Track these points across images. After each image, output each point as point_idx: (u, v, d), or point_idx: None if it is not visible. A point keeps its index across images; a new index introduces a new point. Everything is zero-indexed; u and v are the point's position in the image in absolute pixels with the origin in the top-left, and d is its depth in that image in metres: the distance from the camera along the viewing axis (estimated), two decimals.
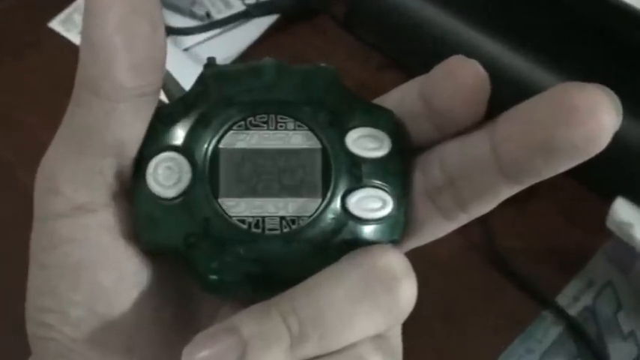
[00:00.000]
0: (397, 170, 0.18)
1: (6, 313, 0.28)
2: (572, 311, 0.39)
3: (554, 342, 0.38)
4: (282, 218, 0.18)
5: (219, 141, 0.18)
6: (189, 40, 0.49)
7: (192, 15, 0.50)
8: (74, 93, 0.17)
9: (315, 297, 0.17)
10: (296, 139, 0.18)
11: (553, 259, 0.41)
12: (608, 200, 0.38)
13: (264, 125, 0.18)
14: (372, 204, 0.18)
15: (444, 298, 0.39)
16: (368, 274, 0.17)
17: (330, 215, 0.18)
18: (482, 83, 0.17)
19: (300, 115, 0.18)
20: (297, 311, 0.16)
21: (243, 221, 0.18)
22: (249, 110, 0.18)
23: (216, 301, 0.20)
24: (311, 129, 0.18)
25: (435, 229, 0.19)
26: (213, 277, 0.18)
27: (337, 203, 0.18)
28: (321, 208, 0.18)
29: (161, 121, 0.18)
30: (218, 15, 0.50)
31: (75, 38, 0.50)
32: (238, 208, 0.18)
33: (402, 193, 0.18)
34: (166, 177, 0.18)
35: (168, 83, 0.21)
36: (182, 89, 0.21)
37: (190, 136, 0.18)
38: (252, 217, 0.18)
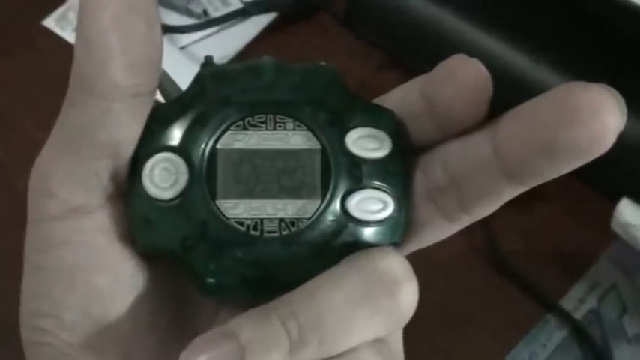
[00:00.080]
0: (398, 171, 0.18)
1: None
2: (577, 314, 0.39)
3: (558, 346, 0.38)
4: (281, 220, 0.18)
5: (216, 141, 0.18)
6: (185, 39, 0.49)
7: (189, 13, 0.50)
8: (69, 92, 0.17)
9: (314, 301, 0.17)
10: (295, 139, 0.18)
11: (557, 261, 0.41)
12: (613, 201, 0.38)
13: (263, 125, 0.18)
14: (373, 206, 0.18)
15: (446, 302, 0.39)
16: (368, 277, 0.17)
17: (329, 217, 0.18)
18: (484, 83, 0.17)
19: (300, 115, 0.18)
20: (297, 315, 0.16)
21: (241, 223, 0.18)
22: (248, 110, 0.18)
23: (214, 305, 0.20)
24: (310, 129, 0.18)
25: (437, 231, 0.19)
26: (211, 280, 0.18)
27: (337, 205, 0.18)
28: (320, 209, 0.18)
29: (157, 121, 0.18)
30: (215, 13, 0.50)
31: (69, 37, 0.50)
32: (236, 210, 0.18)
33: (403, 194, 0.18)
34: (163, 178, 0.18)
35: (165, 83, 0.21)
36: (179, 89, 0.21)
37: (187, 137, 0.18)
38: (251, 219, 0.18)
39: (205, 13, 0.50)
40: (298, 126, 0.18)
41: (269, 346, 0.16)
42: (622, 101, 0.15)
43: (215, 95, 0.18)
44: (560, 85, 0.16)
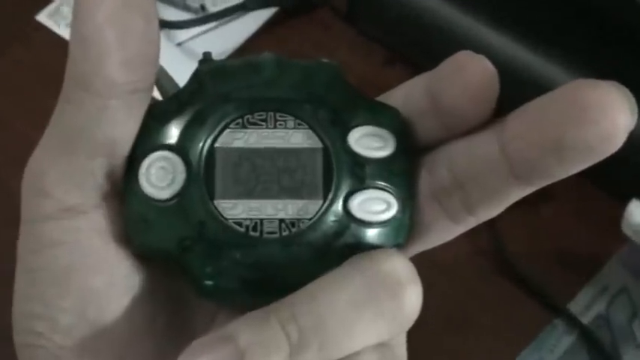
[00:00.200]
0: (402, 171, 0.18)
1: None
2: (585, 319, 0.39)
3: (566, 351, 0.38)
4: (281, 221, 0.18)
5: (215, 140, 0.18)
6: (182, 34, 0.49)
7: (186, 8, 0.50)
8: (63, 89, 0.17)
9: (315, 304, 0.17)
10: (296, 138, 0.18)
11: (565, 264, 0.41)
12: (623, 202, 0.38)
13: (263, 123, 0.18)
14: (376, 206, 0.18)
15: (451, 305, 0.39)
16: (371, 279, 0.17)
17: (331, 218, 0.18)
18: (491, 80, 0.17)
19: (301, 113, 0.18)
20: (297, 318, 0.16)
21: (240, 224, 0.18)
22: (247, 107, 0.18)
23: (212, 308, 0.20)
24: (312, 127, 0.18)
25: (442, 232, 0.19)
26: (209, 282, 0.18)
27: (339, 205, 0.18)
28: (322, 210, 0.18)
29: (154, 118, 0.18)
30: (213, 8, 0.50)
31: (63, 32, 0.50)
32: (235, 210, 0.18)
33: (407, 194, 0.18)
34: (160, 177, 0.18)
35: (162, 79, 0.21)
36: (176, 85, 0.21)
37: (185, 135, 0.18)
38: (250, 219, 0.18)
39: (203, 8, 0.50)
40: (299, 124, 0.18)
41: (268, 350, 0.16)
42: (632, 99, 0.15)
43: (213, 92, 0.18)
44: (569, 83, 0.16)
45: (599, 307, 0.39)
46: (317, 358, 0.16)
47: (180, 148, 0.18)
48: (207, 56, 0.20)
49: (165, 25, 0.48)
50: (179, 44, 0.49)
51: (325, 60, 0.19)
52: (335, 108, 0.19)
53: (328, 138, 0.18)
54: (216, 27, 0.50)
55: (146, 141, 0.18)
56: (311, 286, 0.17)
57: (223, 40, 0.49)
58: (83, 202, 0.18)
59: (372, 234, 0.18)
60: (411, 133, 0.19)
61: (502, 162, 0.17)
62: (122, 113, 0.17)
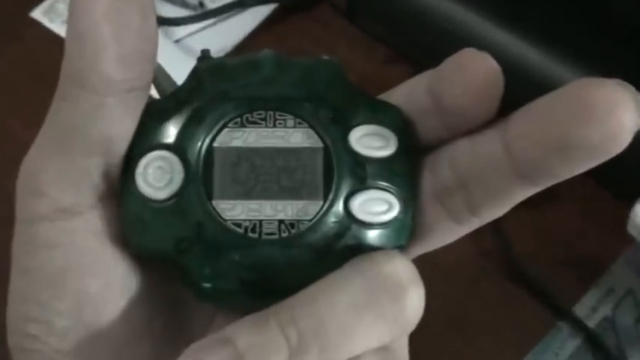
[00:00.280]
0: (404, 171, 0.18)
1: None
2: (591, 322, 0.39)
3: (571, 355, 0.38)
4: (280, 222, 0.18)
5: (213, 139, 0.18)
6: (181, 31, 0.49)
7: (184, 4, 0.50)
8: (59, 87, 0.17)
9: (315, 306, 0.17)
10: (296, 137, 0.18)
11: (570, 266, 0.41)
12: (629, 203, 0.38)
13: (262, 122, 0.18)
14: (377, 207, 0.18)
15: (454, 308, 0.39)
16: (372, 281, 0.17)
17: (332, 219, 0.18)
18: (495, 78, 0.17)
19: (301, 112, 0.18)
20: (297, 321, 0.16)
21: (238, 225, 0.18)
22: (246, 106, 0.18)
23: (210, 311, 0.20)
24: (312, 126, 0.18)
25: (445, 233, 0.19)
26: (207, 284, 0.18)
27: (340, 206, 0.18)
28: (322, 211, 0.18)
29: (152, 117, 0.18)
30: (212, 4, 0.50)
31: (59, 29, 0.50)
32: (234, 211, 0.18)
33: (410, 195, 0.18)
34: (157, 177, 0.18)
35: (160, 77, 0.21)
36: (174, 83, 0.21)
37: (183, 134, 0.18)
38: (249, 220, 0.18)
39: (201, 4, 0.50)
40: (299, 123, 0.18)
41: (267, 353, 0.16)
42: (639, 98, 0.15)
43: (212, 90, 0.18)
44: (574, 82, 0.16)
45: (605, 310, 0.39)
46: None
47: (178, 148, 0.18)
48: (205, 54, 0.20)
49: (163, 21, 0.49)
50: (177, 41, 0.49)
51: (325, 57, 0.19)
52: (335, 106, 0.19)
53: (329, 137, 0.18)
54: (214, 24, 0.50)
55: (143, 140, 0.18)
56: (311, 289, 0.17)
57: (222, 37, 0.49)
58: (79, 202, 0.18)
59: (373, 235, 0.18)
60: (413, 132, 0.19)
61: (506, 162, 0.17)
62: (119, 111, 0.17)
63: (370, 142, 0.18)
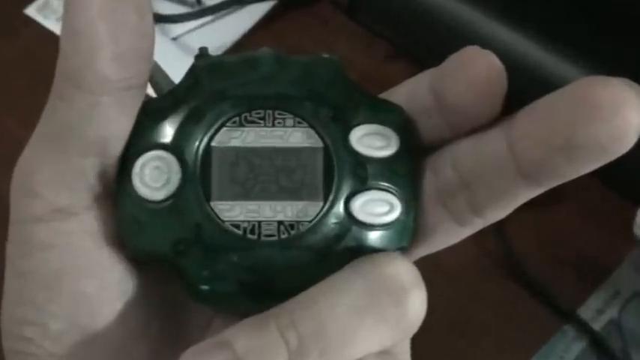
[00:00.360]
0: (406, 171, 0.18)
1: None
2: (596, 325, 0.39)
3: (576, 358, 0.38)
4: (279, 223, 0.18)
5: (211, 138, 0.18)
6: (178, 29, 0.49)
7: (182, 1, 0.50)
8: (54, 86, 0.17)
9: (315, 309, 0.17)
10: (295, 136, 0.18)
11: (575, 267, 0.41)
12: (636, 204, 0.38)
13: (261, 121, 0.18)
14: (379, 208, 0.18)
15: (457, 311, 0.39)
16: (373, 284, 0.17)
17: (332, 220, 0.18)
18: (498, 76, 0.17)
19: (300, 111, 0.18)
20: (296, 324, 0.16)
21: (237, 226, 0.18)
22: (245, 105, 0.18)
23: (208, 313, 0.20)
24: (312, 126, 0.18)
25: (447, 235, 0.19)
26: (205, 286, 0.18)
27: (340, 207, 0.18)
28: (322, 212, 0.18)
29: (148, 116, 0.18)
30: (209, 1, 0.50)
31: (53, 26, 0.50)
32: (232, 212, 0.18)
33: (411, 196, 0.18)
34: (154, 178, 0.18)
35: (156, 75, 0.21)
36: (171, 82, 0.21)
37: (180, 133, 0.18)
38: (248, 221, 0.18)
39: (199, 1, 0.50)
40: (299, 122, 0.18)
41: (266, 357, 0.16)
42: None
43: (210, 89, 0.18)
44: (579, 80, 0.16)
45: (611, 313, 0.40)
46: None
47: (175, 147, 0.18)
48: (203, 51, 0.20)
49: (160, 19, 0.49)
50: (174, 39, 0.49)
51: (325, 55, 0.19)
52: (336, 105, 0.19)
53: (329, 137, 0.18)
54: (212, 21, 0.50)
55: (140, 140, 0.18)
56: (311, 291, 0.17)
57: (220, 34, 0.49)
58: (74, 203, 0.18)
59: (374, 237, 0.18)
60: (414, 131, 0.19)
61: (510, 162, 0.17)
62: (115, 110, 0.17)
63: (371, 141, 0.18)
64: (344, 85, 0.19)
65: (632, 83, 0.15)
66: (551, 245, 0.41)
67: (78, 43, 0.16)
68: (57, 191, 0.17)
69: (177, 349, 0.17)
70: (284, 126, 0.18)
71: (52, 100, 0.17)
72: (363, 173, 0.18)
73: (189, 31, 0.49)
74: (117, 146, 0.18)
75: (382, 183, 0.18)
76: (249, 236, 0.18)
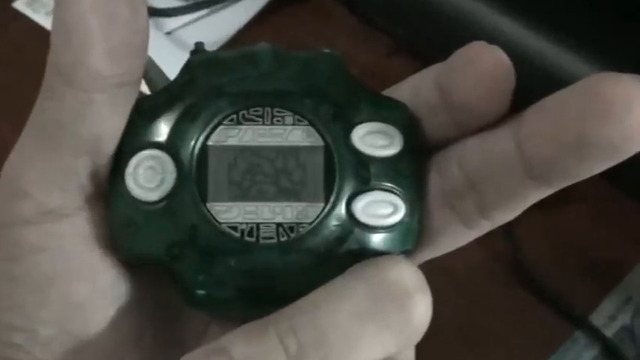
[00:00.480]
0: (410, 171, 0.18)
1: None
2: (609, 331, 0.39)
3: None
4: (279, 225, 0.18)
5: (207, 137, 0.18)
6: (172, 23, 0.49)
7: None
8: (44, 83, 0.17)
9: (316, 315, 0.17)
10: (295, 135, 0.18)
11: (587, 272, 0.41)
12: None
13: (259, 119, 0.18)
14: (382, 209, 0.18)
15: (463, 316, 0.39)
16: (376, 289, 0.17)
17: (333, 222, 0.18)
18: (506, 72, 0.17)
19: (300, 108, 0.18)
20: (296, 331, 0.16)
21: (234, 229, 0.18)
22: (242, 102, 0.18)
23: (205, 319, 0.20)
24: (312, 124, 0.18)
25: (453, 237, 0.19)
26: (201, 291, 0.18)
27: (342, 208, 0.18)
28: (323, 213, 0.18)
29: (142, 114, 0.18)
30: None
31: (43, 20, 0.50)
32: (229, 213, 0.18)
33: (416, 196, 0.18)
34: (148, 178, 0.18)
35: (150, 72, 0.21)
36: (166, 78, 0.21)
37: (175, 132, 0.18)
38: (245, 223, 0.18)
39: None
40: (299, 120, 0.18)
41: None
42: None
43: (206, 86, 0.19)
44: (590, 76, 0.16)
45: (624, 319, 0.40)
46: None
47: (170, 147, 0.18)
48: (199, 47, 0.20)
49: (154, 12, 0.49)
50: (168, 33, 0.49)
51: (326, 50, 0.19)
52: (337, 102, 0.19)
53: (330, 135, 0.18)
54: (208, 15, 0.50)
55: (133, 138, 0.18)
56: (311, 296, 0.17)
57: (216, 28, 0.49)
58: (65, 204, 0.18)
59: (377, 239, 0.18)
60: (419, 129, 0.19)
61: (518, 161, 0.17)
62: (107, 108, 0.17)
63: (374, 140, 0.18)
64: (345, 82, 0.19)
65: None
66: (560, 248, 0.41)
67: (69, 38, 0.16)
68: (47, 192, 0.18)
69: (172, 357, 0.17)
70: (283, 124, 0.18)
71: (42, 97, 0.17)
72: (365, 173, 0.18)
73: (183, 25, 0.49)
74: (109, 145, 0.18)
75: (385, 183, 0.18)
76: (247, 239, 0.18)
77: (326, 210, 0.18)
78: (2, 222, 0.18)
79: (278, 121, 0.18)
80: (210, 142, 0.18)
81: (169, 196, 0.18)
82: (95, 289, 0.18)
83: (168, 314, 0.20)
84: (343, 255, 0.18)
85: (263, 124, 0.18)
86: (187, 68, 0.19)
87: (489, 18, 0.42)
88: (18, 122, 0.18)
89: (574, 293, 0.40)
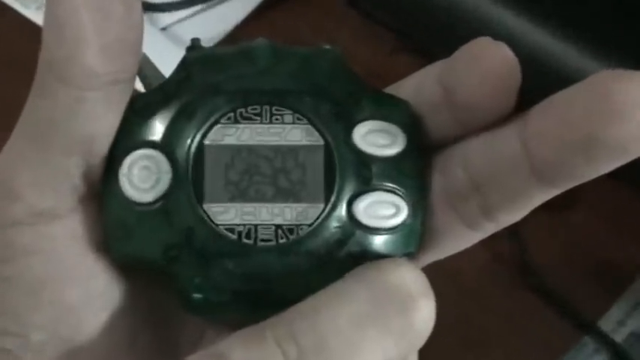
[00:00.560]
0: (413, 171, 0.18)
1: None
2: (618, 337, 0.39)
3: None
4: (277, 227, 0.18)
5: (204, 136, 0.18)
6: (167, 18, 0.49)
7: None
8: (36, 80, 0.17)
9: (316, 319, 0.17)
10: (294, 134, 0.18)
11: (594, 275, 0.41)
12: None
13: (257, 118, 0.18)
14: (384, 210, 0.18)
15: (467, 321, 0.39)
16: (378, 292, 0.17)
17: (334, 224, 0.18)
18: (512, 69, 0.17)
19: (300, 107, 0.19)
20: (296, 336, 0.16)
21: (232, 230, 0.18)
22: (240, 100, 0.18)
23: (201, 324, 0.20)
24: (312, 122, 0.18)
25: (457, 239, 0.19)
26: (197, 295, 0.18)
27: (342, 210, 0.18)
28: (323, 215, 0.18)
29: (137, 112, 0.18)
30: None
31: (34, 15, 0.50)
32: (226, 215, 0.18)
33: (419, 197, 0.18)
34: (142, 178, 0.18)
35: (145, 69, 0.21)
36: (161, 76, 0.21)
37: (170, 131, 0.18)
38: (243, 225, 0.18)
39: None
40: (298, 119, 0.19)
41: None
42: None
43: (202, 83, 0.19)
44: (599, 73, 0.16)
45: (633, 324, 0.40)
46: None
47: (165, 146, 0.18)
48: (195, 43, 0.20)
49: (149, 7, 0.49)
50: (163, 29, 0.49)
51: (326, 46, 0.19)
52: (338, 100, 0.19)
53: (330, 134, 0.18)
54: (204, 10, 0.50)
55: (127, 137, 0.18)
56: (311, 300, 0.17)
57: (212, 24, 0.49)
58: (58, 205, 0.18)
59: (379, 242, 0.18)
60: (422, 128, 0.19)
61: (524, 161, 0.17)
62: (101, 106, 0.17)
63: (376, 139, 0.18)
64: (346, 79, 0.19)
65: None
66: (568, 250, 0.41)
67: (62, 34, 0.16)
68: (39, 193, 0.18)
69: None
70: (282, 123, 0.18)
71: (34, 94, 0.17)
72: (367, 173, 0.18)
73: (179, 21, 0.49)
74: (103, 144, 0.18)
75: (387, 184, 0.18)
76: (245, 241, 0.18)
77: (326, 211, 0.18)
78: None
79: (277, 119, 0.18)
80: (206, 141, 0.18)
81: (164, 197, 0.18)
82: (88, 293, 0.18)
83: (163, 318, 0.20)
84: (344, 258, 0.18)
85: (261, 122, 0.18)
86: (183, 65, 0.19)
87: (494, 13, 0.42)
88: (8, 121, 0.18)
89: (582, 297, 0.40)
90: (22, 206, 0.18)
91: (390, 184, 0.18)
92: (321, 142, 0.18)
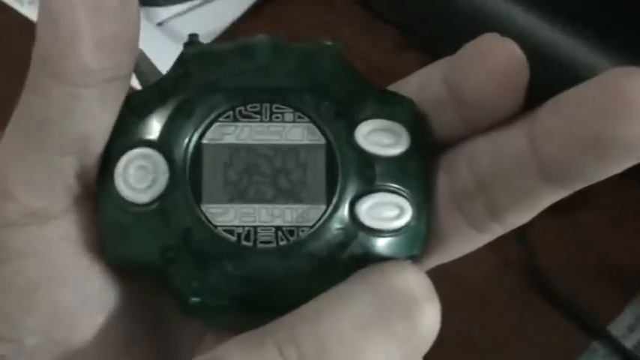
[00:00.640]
0: (417, 171, 0.18)
1: None
2: (628, 342, 0.39)
3: None
4: (277, 229, 0.18)
5: (202, 135, 0.18)
6: (164, 12, 0.49)
7: None
8: (29, 77, 0.17)
9: (317, 324, 0.17)
10: (295, 133, 0.18)
11: (604, 279, 0.41)
12: None
13: (257, 116, 0.19)
14: (387, 212, 0.18)
15: (474, 326, 0.39)
16: (382, 296, 0.17)
17: (336, 225, 0.18)
18: (519, 66, 0.17)
19: (301, 105, 0.19)
20: (297, 341, 0.16)
21: (231, 232, 0.18)
22: (239, 98, 0.19)
23: (199, 328, 0.20)
24: (313, 121, 0.18)
25: (463, 242, 0.19)
26: (195, 298, 0.18)
27: (345, 211, 0.18)
28: (325, 216, 0.18)
29: (133, 110, 0.18)
30: None
31: (28, 11, 0.50)
32: (225, 216, 0.18)
33: (423, 198, 0.18)
34: (139, 178, 0.18)
35: (142, 65, 0.21)
36: (158, 72, 0.21)
37: (168, 129, 0.18)
38: (242, 227, 0.18)
39: None
40: (299, 117, 0.19)
41: None
42: None
43: (201, 80, 0.19)
44: (608, 71, 0.16)
45: None
46: None
47: (162, 145, 0.18)
48: (193, 39, 0.20)
49: (145, 2, 0.49)
50: (160, 24, 0.49)
51: (328, 42, 0.19)
52: (340, 98, 0.19)
53: (332, 133, 0.18)
54: (202, 4, 0.50)
55: (123, 136, 0.18)
56: (312, 304, 0.17)
57: (211, 19, 0.49)
58: (52, 205, 0.18)
59: (382, 244, 0.18)
60: (427, 127, 0.19)
61: (532, 161, 0.17)
62: (96, 104, 0.17)
63: (379, 138, 0.18)
64: (349, 76, 0.19)
65: None
66: (577, 253, 0.41)
67: (56, 30, 0.16)
68: (33, 193, 0.18)
69: None
70: (282, 121, 0.18)
71: (27, 92, 0.17)
72: (369, 173, 0.18)
73: (176, 16, 0.49)
74: (98, 143, 0.18)
75: (391, 184, 0.18)
76: (244, 243, 0.18)
77: (328, 212, 0.18)
78: None
79: (277, 117, 0.18)
80: (204, 140, 0.18)
81: (161, 198, 0.18)
82: (83, 295, 0.18)
83: (160, 322, 0.20)
84: (346, 260, 0.18)
85: (261, 121, 0.18)
86: (180, 62, 0.19)
87: (502, 9, 0.42)
88: (7, 121, 0.18)
89: (591, 301, 0.40)
90: (16, 206, 0.18)
91: (394, 185, 0.18)
92: (323, 141, 0.18)
